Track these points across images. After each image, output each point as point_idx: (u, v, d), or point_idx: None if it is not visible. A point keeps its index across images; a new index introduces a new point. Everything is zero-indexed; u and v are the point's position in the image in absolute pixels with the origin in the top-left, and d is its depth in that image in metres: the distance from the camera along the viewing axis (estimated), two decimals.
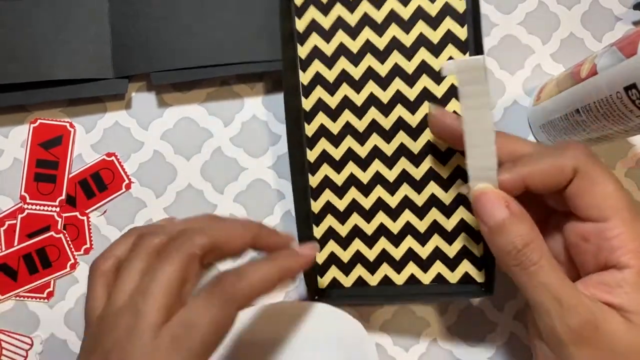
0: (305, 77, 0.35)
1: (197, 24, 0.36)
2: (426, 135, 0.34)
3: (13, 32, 0.36)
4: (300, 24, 0.35)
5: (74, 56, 0.36)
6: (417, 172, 0.34)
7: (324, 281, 0.35)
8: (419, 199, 0.35)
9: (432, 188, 0.34)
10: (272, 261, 0.27)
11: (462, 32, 0.34)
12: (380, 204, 0.35)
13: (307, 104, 0.35)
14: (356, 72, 0.35)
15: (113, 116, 0.38)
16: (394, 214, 0.35)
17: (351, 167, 0.35)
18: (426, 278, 0.34)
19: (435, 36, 0.34)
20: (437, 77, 0.34)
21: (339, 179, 0.35)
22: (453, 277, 0.34)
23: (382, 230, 0.35)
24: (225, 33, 0.36)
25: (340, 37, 0.35)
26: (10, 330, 0.37)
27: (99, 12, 0.37)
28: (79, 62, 0.37)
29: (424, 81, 0.34)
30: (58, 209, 0.37)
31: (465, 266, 0.34)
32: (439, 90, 0.34)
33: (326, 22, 0.35)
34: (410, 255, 0.35)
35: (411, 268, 0.35)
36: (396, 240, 0.35)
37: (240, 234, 0.27)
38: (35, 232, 0.37)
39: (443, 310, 0.37)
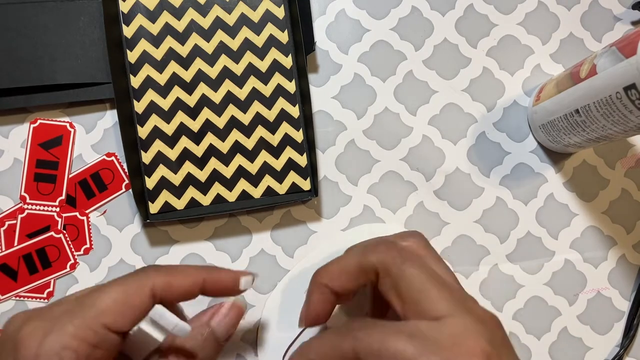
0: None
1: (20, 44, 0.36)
2: (247, 58, 0.37)
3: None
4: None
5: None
6: (242, 93, 0.37)
7: (155, 206, 0.37)
8: (245, 118, 0.37)
9: (257, 107, 0.37)
10: None
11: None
12: (208, 126, 0.37)
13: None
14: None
15: (113, 116, 0.38)
16: (222, 134, 0.37)
17: (177, 92, 0.37)
18: (257, 192, 0.37)
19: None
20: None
21: (165, 104, 0.37)
22: (281, 188, 0.37)
23: (211, 150, 0.37)
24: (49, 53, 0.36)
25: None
26: None
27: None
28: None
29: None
30: (58, 209, 0.37)
31: (292, 177, 0.37)
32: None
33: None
34: (241, 172, 0.37)
35: (242, 184, 0.37)
36: (226, 159, 0.37)
37: (192, 274, 0.28)
38: (35, 232, 0.37)
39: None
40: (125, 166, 0.38)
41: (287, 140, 0.37)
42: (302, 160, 0.37)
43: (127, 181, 0.38)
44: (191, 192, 0.37)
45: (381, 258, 0.27)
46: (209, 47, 0.37)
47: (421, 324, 0.25)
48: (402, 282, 0.26)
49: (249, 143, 0.37)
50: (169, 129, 0.37)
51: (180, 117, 0.37)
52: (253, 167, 0.37)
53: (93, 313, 0.25)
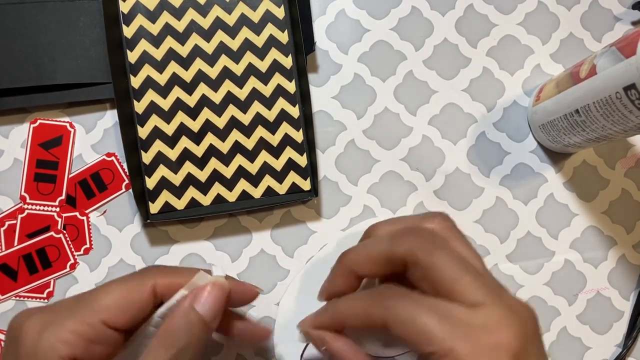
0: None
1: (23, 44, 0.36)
2: (247, 58, 0.37)
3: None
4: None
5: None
6: (242, 93, 0.37)
7: (156, 206, 0.37)
8: (245, 119, 0.37)
9: (257, 107, 0.37)
10: None
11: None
12: (208, 126, 0.37)
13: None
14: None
15: (113, 116, 0.38)
16: (222, 134, 0.37)
17: (177, 92, 0.37)
18: (257, 192, 0.37)
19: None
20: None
21: (165, 104, 0.37)
22: (282, 188, 0.37)
23: (212, 151, 0.37)
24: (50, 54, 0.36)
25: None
26: None
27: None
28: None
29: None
30: (58, 209, 0.37)
31: (293, 177, 0.37)
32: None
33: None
34: (241, 172, 0.37)
35: (242, 184, 0.37)
36: (226, 159, 0.37)
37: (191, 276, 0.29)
38: (35, 232, 0.37)
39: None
40: (125, 166, 0.38)
41: (287, 141, 0.37)
42: (302, 160, 0.37)
43: (127, 181, 0.38)
44: (191, 192, 0.37)
45: (409, 249, 0.26)
46: (209, 47, 0.37)
47: (455, 308, 0.24)
48: (433, 272, 0.25)
49: (249, 143, 0.37)
50: (169, 129, 0.37)
51: (181, 117, 0.37)
52: (253, 167, 0.37)
53: (92, 309, 0.26)
